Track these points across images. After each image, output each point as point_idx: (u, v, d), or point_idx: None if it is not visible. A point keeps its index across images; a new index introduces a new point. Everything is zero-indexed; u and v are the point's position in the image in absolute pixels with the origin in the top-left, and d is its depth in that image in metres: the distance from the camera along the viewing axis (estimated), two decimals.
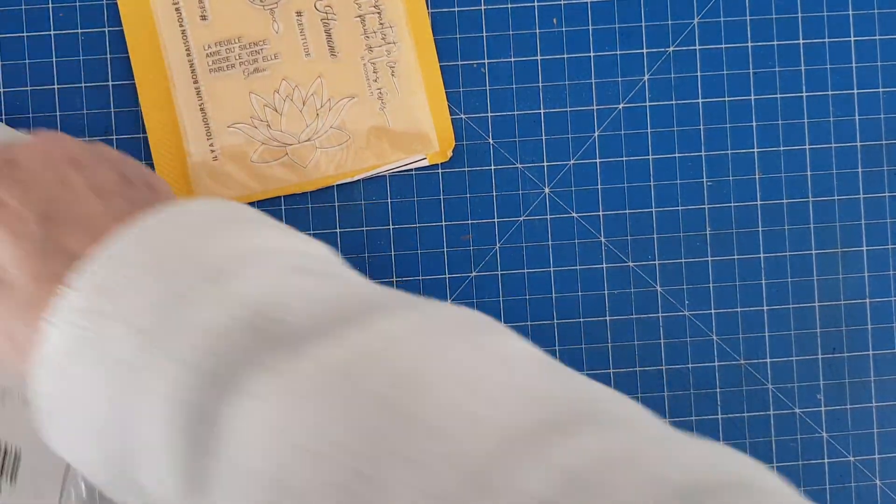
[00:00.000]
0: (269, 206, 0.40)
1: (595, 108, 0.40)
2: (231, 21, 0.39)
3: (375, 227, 0.40)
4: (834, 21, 0.40)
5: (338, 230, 0.40)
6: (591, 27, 0.40)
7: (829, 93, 0.40)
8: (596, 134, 0.40)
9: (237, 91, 0.39)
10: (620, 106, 0.40)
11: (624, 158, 0.40)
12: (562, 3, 0.40)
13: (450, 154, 0.39)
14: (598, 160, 0.40)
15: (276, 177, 0.39)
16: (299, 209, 0.40)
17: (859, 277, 0.40)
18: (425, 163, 0.39)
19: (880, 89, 0.40)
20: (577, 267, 0.40)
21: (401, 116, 0.39)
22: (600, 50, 0.40)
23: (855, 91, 0.40)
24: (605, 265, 0.40)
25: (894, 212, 0.40)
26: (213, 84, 0.39)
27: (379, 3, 0.39)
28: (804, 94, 0.40)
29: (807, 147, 0.40)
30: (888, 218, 0.40)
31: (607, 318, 0.40)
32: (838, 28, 0.40)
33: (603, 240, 0.40)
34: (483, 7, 0.40)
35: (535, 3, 0.40)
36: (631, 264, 0.40)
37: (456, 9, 0.40)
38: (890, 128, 0.40)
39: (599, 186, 0.40)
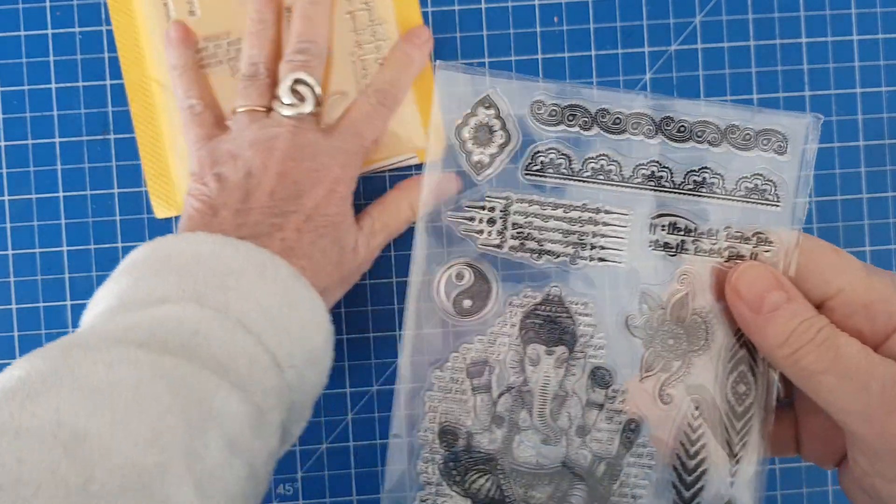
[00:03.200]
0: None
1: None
2: (219, 17, 0.38)
3: None
4: (836, 20, 0.40)
5: None
6: (592, 25, 0.40)
7: (832, 92, 0.40)
8: None
9: (225, 87, 0.38)
10: None
11: None
12: (563, 1, 0.39)
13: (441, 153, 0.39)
14: None
15: None
16: None
17: None
18: (416, 161, 0.39)
19: (883, 88, 0.40)
20: None
21: None
22: (601, 48, 0.40)
23: (858, 90, 0.40)
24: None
25: None
26: None
27: (369, 1, 0.39)
28: (807, 94, 0.40)
29: None
30: (891, 218, 0.40)
31: None
32: (840, 27, 0.40)
33: None
34: (483, 5, 0.39)
35: (536, 2, 0.39)
36: None
37: (456, 7, 0.39)
38: (893, 127, 0.40)
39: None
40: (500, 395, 0.25)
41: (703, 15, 0.40)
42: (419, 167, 0.39)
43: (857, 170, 0.40)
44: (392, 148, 0.39)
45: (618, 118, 0.24)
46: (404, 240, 0.39)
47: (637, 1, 0.40)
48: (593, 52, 0.39)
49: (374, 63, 0.38)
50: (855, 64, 0.40)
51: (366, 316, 0.40)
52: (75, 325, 0.39)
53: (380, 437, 0.40)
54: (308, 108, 0.34)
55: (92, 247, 0.40)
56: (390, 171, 0.39)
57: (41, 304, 0.39)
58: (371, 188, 0.39)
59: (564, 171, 0.24)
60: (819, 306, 0.24)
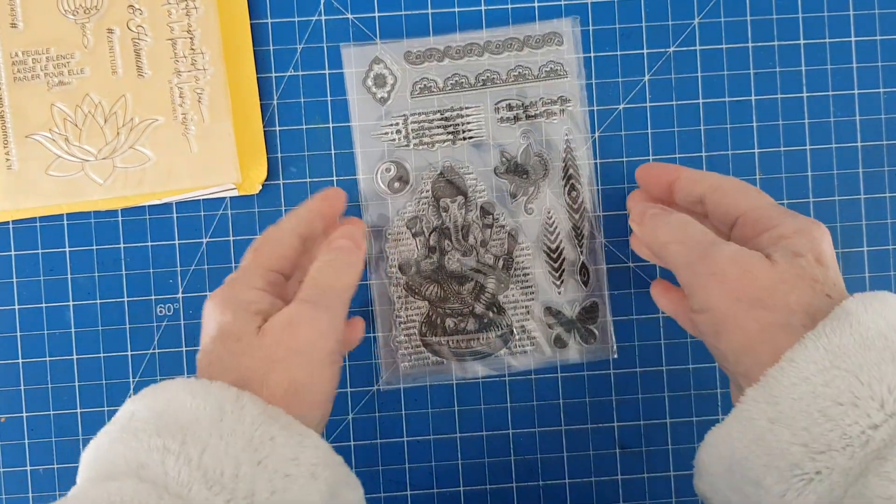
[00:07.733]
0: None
1: (596, 108, 0.40)
2: (41, 32, 0.39)
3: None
4: (834, 21, 0.40)
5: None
6: (591, 27, 0.40)
7: (830, 93, 0.40)
8: (597, 135, 0.40)
9: (39, 101, 0.39)
10: (621, 106, 0.40)
11: (624, 159, 0.40)
12: (562, 3, 0.40)
13: (258, 187, 0.39)
14: (598, 160, 0.40)
15: (74, 191, 0.39)
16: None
17: (860, 278, 0.40)
18: (235, 193, 0.39)
19: (881, 89, 0.40)
20: None
21: (204, 144, 0.39)
22: (601, 50, 0.40)
23: (856, 91, 0.40)
24: (605, 266, 0.40)
25: (895, 212, 0.40)
26: (16, 92, 0.39)
27: (193, 29, 0.39)
28: (805, 95, 0.40)
29: (807, 147, 0.40)
30: (889, 218, 0.40)
31: (608, 318, 0.40)
32: (839, 28, 0.40)
33: (603, 240, 0.40)
34: (483, 7, 0.40)
35: (536, 4, 0.40)
36: (631, 265, 0.40)
37: (456, 9, 0.40)
38: (890, 128, 0.40)
39: (599, 187, 0.40)
40: (430, 234, 0.39)
41: (701, 17, 0.40)
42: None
43: (855, 170, 0.40)
44: (205, 176, 0.39)
45: (458, 50, 0.39)
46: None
47: (636, 3, 0.40)
48: (592, 54, 0.40)
49: (193, 91, 0.39)
50: (853, 65, 0.40)
51: (367, 315, 0.40)
52: (77, 324, 0.40)
53: (380, 436, 0.40)
54: None
55: (95, 248, 0.40)
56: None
57: (43, 305, 0.40)
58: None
59: (434, 89, 0.39)
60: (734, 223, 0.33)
